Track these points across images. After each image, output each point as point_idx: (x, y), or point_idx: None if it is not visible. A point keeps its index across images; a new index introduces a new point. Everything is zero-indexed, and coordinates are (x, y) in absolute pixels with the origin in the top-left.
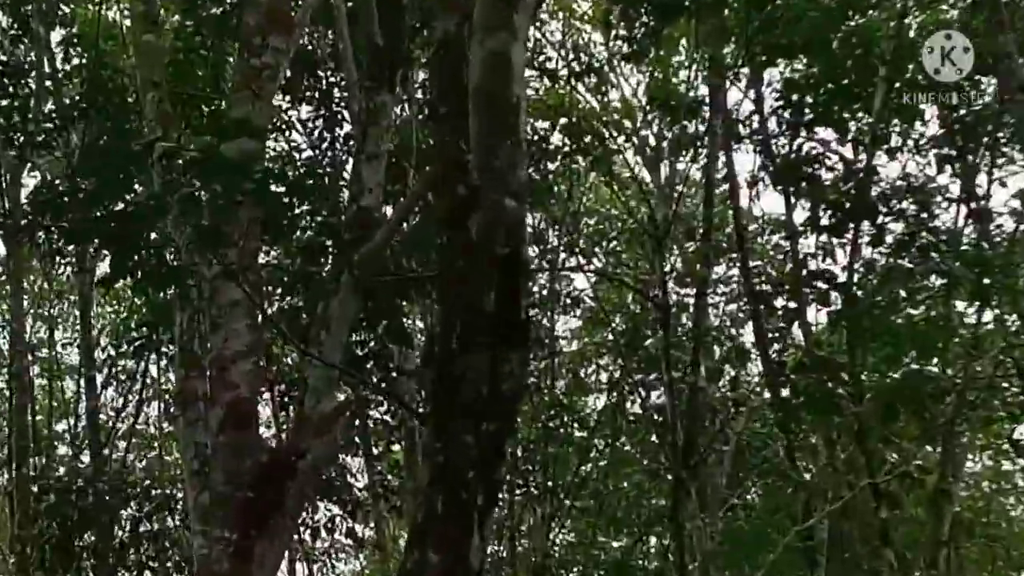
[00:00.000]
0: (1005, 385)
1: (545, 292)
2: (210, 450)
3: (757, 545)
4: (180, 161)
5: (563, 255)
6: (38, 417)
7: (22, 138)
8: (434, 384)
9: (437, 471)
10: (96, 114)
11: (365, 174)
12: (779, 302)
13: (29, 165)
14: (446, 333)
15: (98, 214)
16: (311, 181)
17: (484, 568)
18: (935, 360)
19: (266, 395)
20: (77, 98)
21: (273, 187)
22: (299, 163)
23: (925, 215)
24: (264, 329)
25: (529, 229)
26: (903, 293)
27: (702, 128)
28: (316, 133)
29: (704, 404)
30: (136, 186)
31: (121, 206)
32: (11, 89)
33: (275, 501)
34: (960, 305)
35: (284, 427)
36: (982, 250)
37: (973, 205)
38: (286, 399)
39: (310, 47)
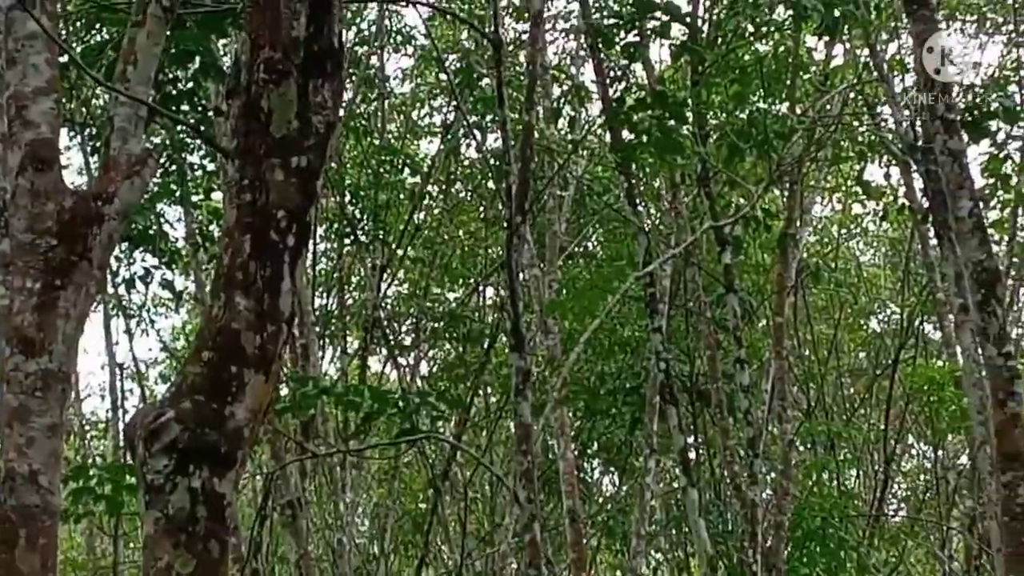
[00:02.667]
0: (855, 124)
1: (374, 29)
2: (9, 194)
3: (597, 293)
4: None
5: None
6: None
7: None
8: (240, 117)
9: (244, 210)
10: None
11: None
12: (620, 37)
13: None
14: (252, 62)
15: None
16: None
17: (295, 313)
18: (783, 97)
19: (76, 139)
20: None
21: None
22: None
23: None
24: (67, 66)
25: None
26: (750, 26)
27: None
28: None
29: (541, 146)
30: None
31: None
32: None
33: (80, 248)
34: (809, 39)
35: (95, 172)
36: None
37: None
38: (97, 144)
39: None
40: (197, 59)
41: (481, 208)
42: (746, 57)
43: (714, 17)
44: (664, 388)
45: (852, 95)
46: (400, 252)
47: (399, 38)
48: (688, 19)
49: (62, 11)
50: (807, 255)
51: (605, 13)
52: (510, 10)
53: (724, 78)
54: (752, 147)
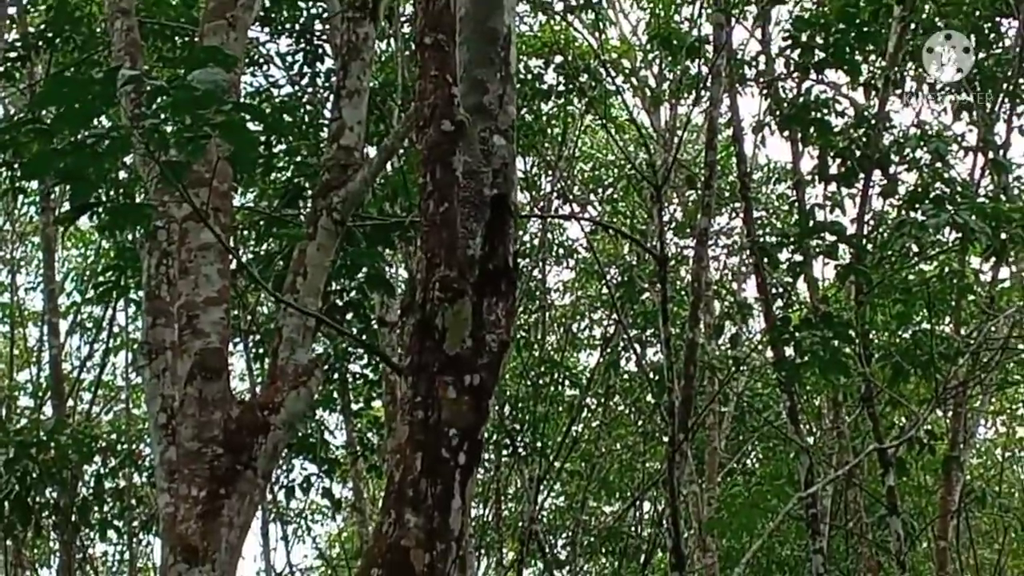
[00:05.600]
0: (1021, 347)
1: (536, 241)
2: (177, 403)
3: (756, 512)
4: (145, 92)
5: (556, 202)
6: None
7: None
8: (414, 334)
9: (417, 427)
10: (62, 44)
11: (345, 112)
12: (784, 255)
13: None
14: (427, 280)
15: (57, 147)
16: (289, 118)
17: (465, 531)
18: (948, 319)
19: (240, 345)
20: (42, 26)
21: (245, 122)
22: (277, 99)
23: (940, 165)
24: (236, 275)
25: (520, 173)
26: (915, 247)
27: (705, 69)
28: (296, 68)
29: (703, 362)
30: (103, 118)
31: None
32: None
33: (246, 458)
34: (975, 261)
35: (259, 379)
36: (999, 202)
37: (990, 155)
38: (261, 350)
39: None
40: (363, 271)
41: (639, 422)
42: (911, 277)
43: (878, 237)
44: None
45: (1019, 318)
46: (558, 464)
47: (561, 251)
48: (853, 240)
49: (232, 222)
50: (971, 478)
51: (769, 231)
52: (672, 225)
53: (888, 298)
54: (916, 368)
